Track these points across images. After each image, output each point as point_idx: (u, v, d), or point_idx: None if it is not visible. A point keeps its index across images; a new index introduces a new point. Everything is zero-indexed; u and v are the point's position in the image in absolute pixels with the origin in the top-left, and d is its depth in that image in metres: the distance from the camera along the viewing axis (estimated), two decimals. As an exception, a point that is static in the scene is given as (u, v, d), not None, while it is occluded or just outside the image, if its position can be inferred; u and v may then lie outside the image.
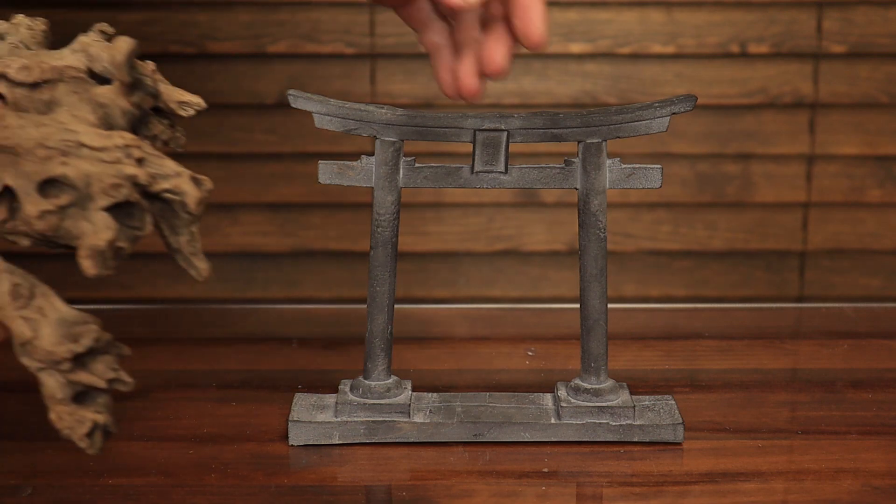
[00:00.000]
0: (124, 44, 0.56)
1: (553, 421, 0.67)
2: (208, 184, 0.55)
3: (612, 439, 0.67)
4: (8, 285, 0.53)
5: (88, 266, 0.52)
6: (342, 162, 0.66)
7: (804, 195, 1.26)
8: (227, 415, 0.70)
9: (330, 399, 0.69)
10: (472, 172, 0.66)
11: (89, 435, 0.54)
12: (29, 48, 0.60)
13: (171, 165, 0.54)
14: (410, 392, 0.68)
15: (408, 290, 1.26)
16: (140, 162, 0.53)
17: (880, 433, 0.69)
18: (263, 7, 1.21)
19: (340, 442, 0.67)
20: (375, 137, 0.65)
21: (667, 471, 0.65)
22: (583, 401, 0.68)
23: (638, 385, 0.74)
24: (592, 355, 0.68)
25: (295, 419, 0.67)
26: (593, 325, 0.68)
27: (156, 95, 0.59)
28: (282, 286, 1.32)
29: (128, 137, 0.54)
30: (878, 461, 0.66)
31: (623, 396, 0.68)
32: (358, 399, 0.67)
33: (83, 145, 0.53)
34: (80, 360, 0.54)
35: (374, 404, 0.67)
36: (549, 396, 0.70)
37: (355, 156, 0.66)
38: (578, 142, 0.66)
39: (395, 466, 0.65)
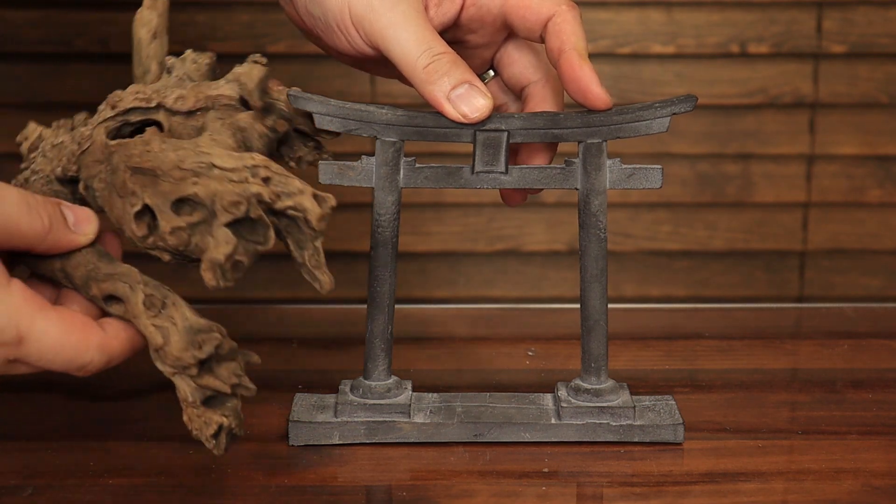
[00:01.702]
0: (256, 71, 0.60)
1: (553, 421, 0.67)
2: (331, 201, 0.58)
3: (612, 439, 0.67)
4: (142, 296, 0.57)
5: (208, 278, 0.56)
6: (342, 162, 0.66)
7: (804, 195, 1.27)
8: (227, 415, 0.70)
9: (330, 399, 0.69)
10: (473, 173, 0.66)
11: (215, 436, 0.59)
12: (192, 80, 0.64)
13: (295, 184, 0.57)
14: (411, 392, 0.68)
15: (408, 290, 1.26)
16: (266, 181, 0.57)
17: (880, 433, 0.69)
18: (263, 7, 1.21)
19: (340, 442, 0.67)
20: (376, 138, 0.65)
21: (667, 471, 0.65)
22: (583, 401, 0.68)
23: (638, 385, 0.74)
24: (593, 355, 0.68)
25: (295, 419, 0.67)
26: (593, 325, 0.68)
27: (290, 119, 0.63)
28: (282, 286, 1.32)
29: (258, 158, 0.58)
30: (878, 461, 0.66)
31: (623, 397, 0.68)
32: (358, 399, 0.67)
33: (214, 166, 0.57)
34: (206, 366, 0.58)
35: (374, 404, 0.67)
36: (549, 396, 0.70)
37: (355, 156, 0.66)
38: (579, 142, 0.66)
39: (396, 466, 0.65)
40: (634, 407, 0.67)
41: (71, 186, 0.63)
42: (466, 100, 0.64)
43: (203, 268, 0.56)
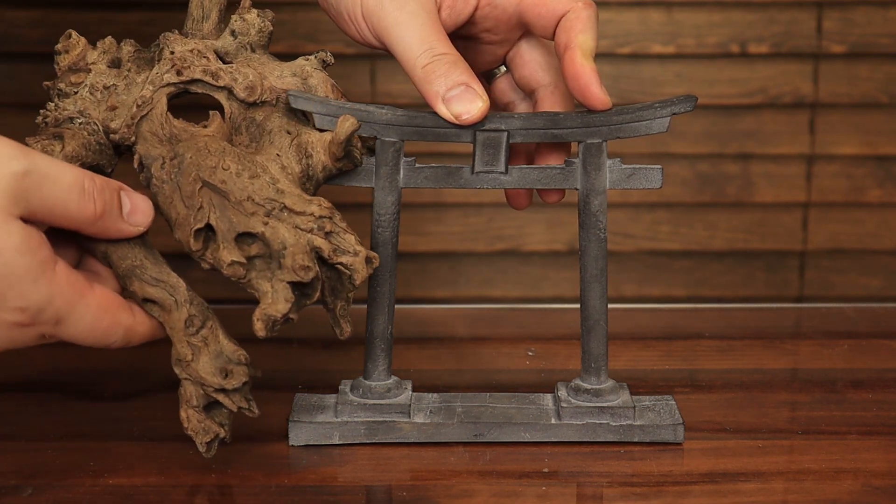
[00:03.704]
0: (349, 125, 0.60)
1: (553, 421, 0.67)
2: (376, 262, 0.60)
3: (612, 439, 0.67)
4: (186, 315, 0.59)
5: (258, 328, 0.58)
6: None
7: (804, 195, 1.27)
8: (227, 415, 0.70)
9: (330, 399, 0.69)
10: (473, 173, 0.66)
11: (209, 443, 0.61)
12: (253, 50, 0.64)
13: (352, 242, 0.59)
14: (411, 392, 0.68)
15: (408, 290, 1.26)
16: (328, 235, 0.58)
17: (880, 433, 0.69)
18: (264, 7, 1.21)
19: (341, 442, 0.67)
20: (376, 138, 0.65)
21: (667, 471, 0.65)
22: (583, 401, 0.68)
23: (638, 385, 0.74)
24: (592, 355, 0.68)
25: (295, 419, 0.67)
26: (593, 325, 0.68)
27: (358, 165, 0.64)
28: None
29: (324, 207, 0.58)
30: (878, 461, 0.66)
31: (623, 397, 0.68)
32: (358, 399, 0.67)
33: (286, 208, 0.58)
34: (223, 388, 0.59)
35: (374, 404, 0.67)
36: (549, 396, 0.70)
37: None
38: (579, 142, 0.66)
39: (396, 466, 0.65)
40: (634, 407, 0.67)
41: (116, 148, 0.61)
42: (461, 101, 0.64)
43: (256, 317, 0.57)
